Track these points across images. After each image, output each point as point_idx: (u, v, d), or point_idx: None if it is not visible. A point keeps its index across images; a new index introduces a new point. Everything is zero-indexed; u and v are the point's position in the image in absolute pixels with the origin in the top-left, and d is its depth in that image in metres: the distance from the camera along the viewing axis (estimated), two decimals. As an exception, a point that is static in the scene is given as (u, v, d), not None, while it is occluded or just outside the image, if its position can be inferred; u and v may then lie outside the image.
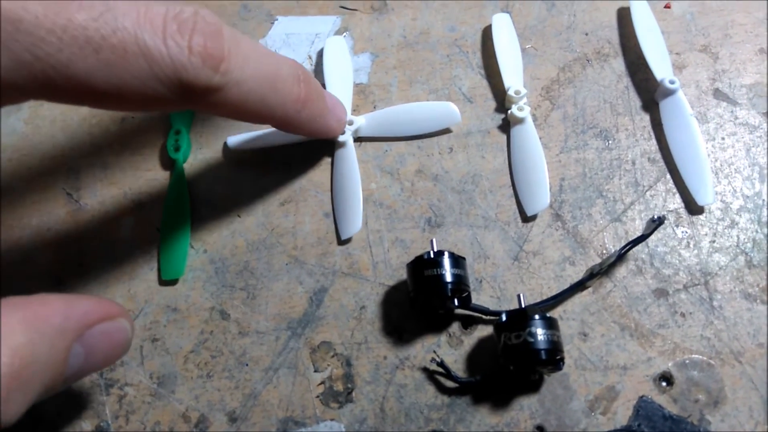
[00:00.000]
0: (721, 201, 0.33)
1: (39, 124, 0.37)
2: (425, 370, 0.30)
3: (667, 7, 0.39)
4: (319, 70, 0.38)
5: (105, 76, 0.21)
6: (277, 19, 0.40)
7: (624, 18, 0.39)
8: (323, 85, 0.37)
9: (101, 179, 0.35)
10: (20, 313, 0.20)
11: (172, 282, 0.33)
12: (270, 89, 0.26)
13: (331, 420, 0.29)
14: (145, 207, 0.35)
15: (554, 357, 0.27)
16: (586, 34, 0.39)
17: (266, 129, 0.36)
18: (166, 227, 0.34)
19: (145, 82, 0.21)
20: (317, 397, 0.30)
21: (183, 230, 0.33)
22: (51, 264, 0.33)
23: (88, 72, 0.20)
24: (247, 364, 0.30)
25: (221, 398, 0.30)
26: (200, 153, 0.36)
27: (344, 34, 0.40)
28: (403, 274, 0.32)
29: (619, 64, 0.37)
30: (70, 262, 0.33)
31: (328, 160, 0.36)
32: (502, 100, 0.37)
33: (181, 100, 0.23)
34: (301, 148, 0.36)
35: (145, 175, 0.35)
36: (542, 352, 0.26)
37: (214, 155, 0.36)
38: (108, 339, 0.23)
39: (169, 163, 0.36)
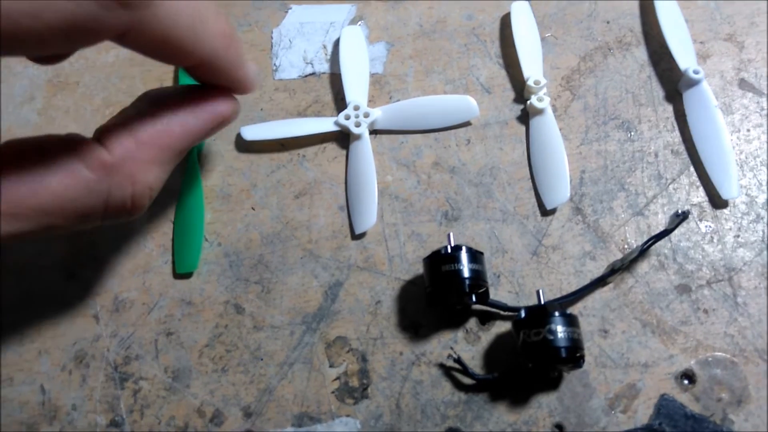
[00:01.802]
0: (746, 194, 0.32)
1: (52, 114, 0.37)
2: (442, 366, 0.29)
3: (691, -6, 0.38)
4: (334, 59, 0.38)
5: None
6: (291, 8, 0.40)
7: (646, 6, 0.38)
8: (339, 75, 0.36)
9: (115, 171, 0.35)
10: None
11: (187, 275, 0.32)
12: (198, 17, 0.24)
13: (347, 416, 0.29)
14: (159, 199, 0.34)
15: (574, 355, 0.26)
16: (608, 23, 0.38)
17: (281, 120, 0.36)
18: (180, 220, 0.33)
19: None
20: (332, 392, 0.29)
21: (197, 223, 0.33)
22: (64, 256, 0.33)
23: None
24: (261, 359, 0.30)
25: (236, 393, 0.30)
26: (214, 144, 0.36)
27: (359, 22, 0.39)
28: (419, 269, 0.31)
29: (641, 53, 0.36)
30: (84, 254, 0.33)
31: (344, 152, 0.35)
32: (520, 90, 0.36)
33: (112, 17, 0.20)
34: (316, 140, 0.35)
35: (158, 167, 0.35)
36: (562, 350, 0.26)
37: (227, 147, 0.36)
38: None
39: (182, 154, 0.35)
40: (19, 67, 0.39)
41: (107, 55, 0.39)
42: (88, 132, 0.36)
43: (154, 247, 0.33)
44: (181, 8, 0.23)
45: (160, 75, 0.38)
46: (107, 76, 0.38)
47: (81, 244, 0.33)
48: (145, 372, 0.30)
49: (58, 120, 0.37)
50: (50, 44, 0.20)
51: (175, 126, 0.25)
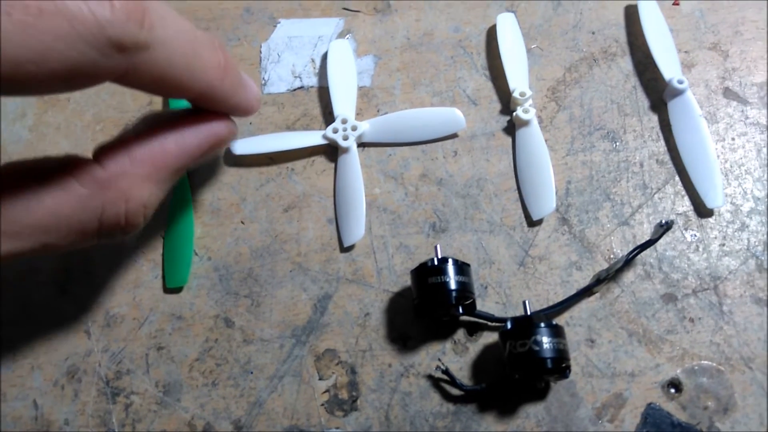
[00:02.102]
0: (731, 203, 0.32)
1: (43, 131, 0.37)
2: (430, 377, 0.29)
3: (675, 4, 0.38)
4: (322, 73, 0.38)
5: (24, 42, 0.19)
6: (279, 22, 0.40)
7: (632, 16, 0.38)
8: (327, 89, 0.37)
9: (105, 187, 0.35)
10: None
11: (177, 290, 0.33)
12: (192, 54, 0.24)
13: (336, 428, 0.29)
14: (149, 214, 0.34)
15: (560, 365, 0.26)
16: (593, 33, 0.38)
17: (270, 133, 0.36)
18: (170, 235, 0.34)
19: (69, 44, 0.20)
20: (322, 405, 0.29)
21: (187, 238, 0.33)
22: (56, 272, 0.33)
23: (5, 39, 0.18)
24: (251, 372, 0.30)
25: (226, 406, 0.30)
26: (203, 159, 0.36)
27: (347, 36, 0.39)
28: (407, 281, 0.32)
29: (626, 63, 0.37)
30: (76, 269, 0.33)
31: (332, 165, 0.35)
32: (507, 101, 0.36)
33: (109, 62, 0.21)
34: (305, 153, 0.35)
35: (149, 182, 0.35)
36: (548, 360, 0.26)
37: (216, 161, 0.36)
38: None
39: (172, 169, 0.36)
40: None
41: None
42: (79, 147, 0.37)
43: (144, 262, 0.33)
44: (176, 48, 0.23)
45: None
46: (97, 92, 0.38)
47: (73, 259, 0.33)
48: (136, 386, 0.30)
49: (49, 136, 0.37)
50: (49, 88, 0.21)
51: (171, 144, 0.25)
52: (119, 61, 0.21)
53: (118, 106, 0.38)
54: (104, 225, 0.24)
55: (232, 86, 0.27)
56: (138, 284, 0.33)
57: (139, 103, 0.38)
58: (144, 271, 0.33)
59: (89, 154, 0.36)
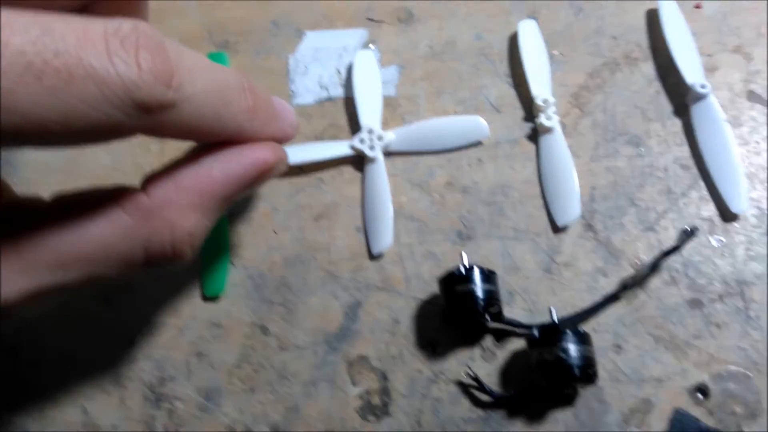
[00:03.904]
0: (756, 207, 0.33)
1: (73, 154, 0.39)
2: (460, 383, 0.30)
3: (697, 7, 0.38)
4: (348, 83, 0.39)
5: (51, 105, 0.19)
6: (305, 34, 0.41)
7: (653, 20, 0.38)
8: (353, 99, 0.38)
9: (143, 200, 0.37)
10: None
11: (214, 298, 0.34)
12: (222, 103, 0.24)
13: (370, 432, 0.30)
14: (186, 226, 0.36)
15: (587, 372, 0.27)
16: (615, 38, 0.38)
17: (299, 144, 0.37)
18: (207, 245, 0.35)
19: (95, 106, 0.20)
20: (355, 410, 0.31)
21: (223, 248, 0.35)
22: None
23: (33, 102, 0.19)
24: (287, 378, 0.32)
25: (264, 411, 0.31)
26: (253, 187, 0.37)
27: (371, 46, 0.40)
28: (435, 288, 0.33)
29: (649, 68, 0.37)
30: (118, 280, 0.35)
31: (359, 174, 0.36)
32: (530, 108, 0.37)
33: (135, 122, 0.21)
34: (333, 163, 0.36)
35: (184, 195, 0.37)
36: (575, 367, 0.27)
37: (249, 173, 0.37)
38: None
39: (206, 182, 0.37)
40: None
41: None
42: (119, 162, 0.38)
43: (183, 272, 0.35)
44: (204, 102, 0.23)
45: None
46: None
47: (114, 271, 0.35)
48: (179, 392, 0.32)
49: (88, 150, 0.39)
50: (71, 143, 0.21)
51: (217, 172, 0.25)
52: (145, 121, 0.21)
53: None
54: (150, 255, 0.24)
55: (263, 124, 0.27)
56: (178, 293, 0.34)
57: (172, 118, 0.39)
58: (183, 281, 0.34)
59: (128, 168, 0.38)
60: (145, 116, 0.21)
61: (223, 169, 0.25)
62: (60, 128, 0.19)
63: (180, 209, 0.24)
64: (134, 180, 0.37)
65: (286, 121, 0.29)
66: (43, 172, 0.38)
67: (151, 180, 0.24)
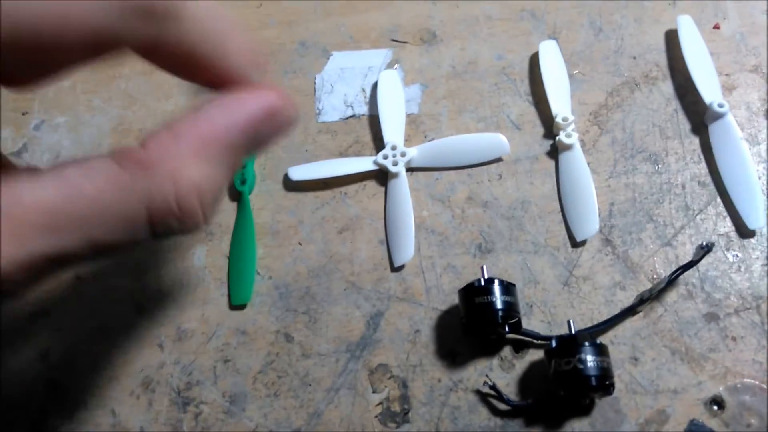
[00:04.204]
0: (774, 224, 0.33)
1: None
2: (478, 392, 0.31)
3: (716, 27, 0.39)
4: (372, 102, 0.40)
5: (44, 4, 0.17)
6: (332, 55, 0.43)
7: (672, 40, 0.39)
8: (377, 117, 0.39)
9: (175, 211, 0.38)
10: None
11: (241, 307, 0.35)
12: (225, 35, 0.22)
13: (390, 439, 0.31)
14: (216, 236, 0.37)
15: (604, 383, 0.27)
16: (634, 58, 0.39)
17: (324, 160, 0.39)
18: (234, 255, 0.36)
19: (91, 9, 0.18)
20: (376, 417, 0.31)
21: (250, 258, 0.36)
22: (132, 290, 0.36)
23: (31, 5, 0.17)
24: (310, 385, 0.33)
25: (287, 416, 0.32)
26: (264, 184, 0.39)
27: (395, 66, 0.42)
28: (455, 299, 0.33)
29: (667, 87, 0.38)
30: (149, 288, 0.36)
31: (382, 189, 0.37)
32: (550, 126, 0.38)
33: (136, 30, 0.20)
34: (357, 178, 0.38)
35: (214, 207, 0.38)
36: (592, 378, 0.27)
37: (276, 186, 0.39)
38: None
39: (236, 194, 0.38)
40: (87, 115, 0.43)
41: (167, 103, 0.42)
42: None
43: (211, 281, 0.36)
44: (208, 25, 0.21)
45: (214, 121, 0.41)
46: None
47: (147, 278, 0.37)
48: (205, 396, 0.33)
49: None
50: (69, 58, 0.19)
51: (219, 117, 0.22)
52: (147, 29, 0.19)
53: (185, 136, 0.41)
54: (154, 214, 0.21)
55: (263, 74, 0.24)
56: (206, 301, 0.35)
57: (204, 133, 0.41)
58: (211, 290, 0.36)
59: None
60: (148, 24, 0.19)
61: (225, 113, 0.22)
62: (56, 33, 0.18)
63: (181, 159, 0.21)
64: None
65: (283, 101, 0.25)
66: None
67: (149, 136, 0.22)
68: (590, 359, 0.28)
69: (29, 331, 0.36)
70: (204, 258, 0.37)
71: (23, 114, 0.43)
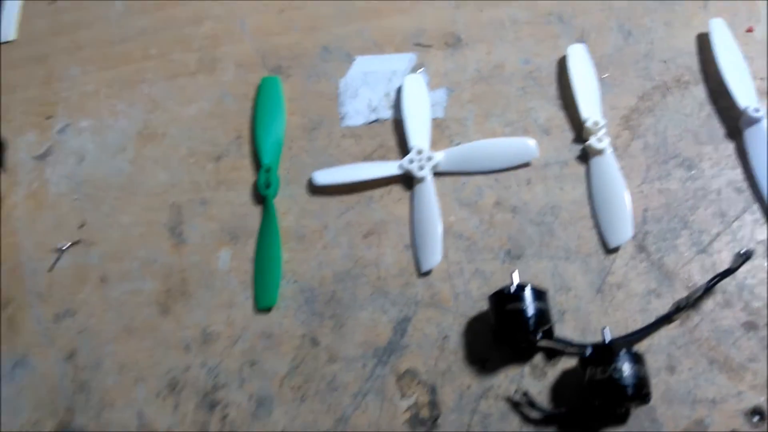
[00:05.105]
0: (813, 231, 0.32)
1: (142, 164, 0.41)
2: (509, 400, 0.30)
3: (749, 30, 0.38)
4: (397, 106, 0.40)
5: None
6: (355, 59, 0.43)
7: (704, 44, 0.39)
8: (401, 121, 0.39)
9: (200, 214, 0.38)
10: None
11: (267, 310, 0.35)
12: None
13: (419, 447, 0.30)
14: (240, 240, 0.37)
15: (640, 392, 0.27)
16: (665, 62, 0.39)
17: (349, 164, 0.38)
18: (260, 259, 0.36)
19: None
20: (404, 423, 0.31)
21: (275, 262, 0.36)
22: (158, 293, 0.36)
23: None
24: (337, 389, 0.32)
25: (314, 420, 0.32)
26: (288, 189, 0.38)
27: (420, 70, 0.41)
28: (484, 305, 0.33)
29: (700, 91, 0.37)
30: (175, 291, 0.36)
31: (408, 193, 0.37)
32: (579, 130, 0.37)
33: None
34: (382, 182, 0.37)
35: (239, 210, 0.38)
36: (628, 388, 0.27)
37: (301, 191, 0.38)
38: None
39: (260, 198, 0.38)
40: (111, 119, 0.43)
41: (189, 108, 0.42)
42: (175, 178, 0.40)
43: (237, 284, 0.36)
44: None
45: (238, 125, 0.41)
46: (190, 127, 0.42)
47: (173, 281, 0.36)
48: (231, 399, 0.33)
49: (148, 168, 0.41)
50: None
51: None
52: None
53: (210, 140, 0.41)
54: None
55: None
56: (232, 305, 0.35)
57: (229, 137, 0.41)
58: (237, 293, 0.36)
59: (185, 186, 0.39)
60: None
61: None
62: None
63: None
64: (191, 196, 0.39)
65: None
66: (103, 188, 0.40)
67: None
68: (627, 368, 0.27)
69: (56, 332, 0.36)
70: (229, 261, 0.37)
71: (47, 118, 0.44)
